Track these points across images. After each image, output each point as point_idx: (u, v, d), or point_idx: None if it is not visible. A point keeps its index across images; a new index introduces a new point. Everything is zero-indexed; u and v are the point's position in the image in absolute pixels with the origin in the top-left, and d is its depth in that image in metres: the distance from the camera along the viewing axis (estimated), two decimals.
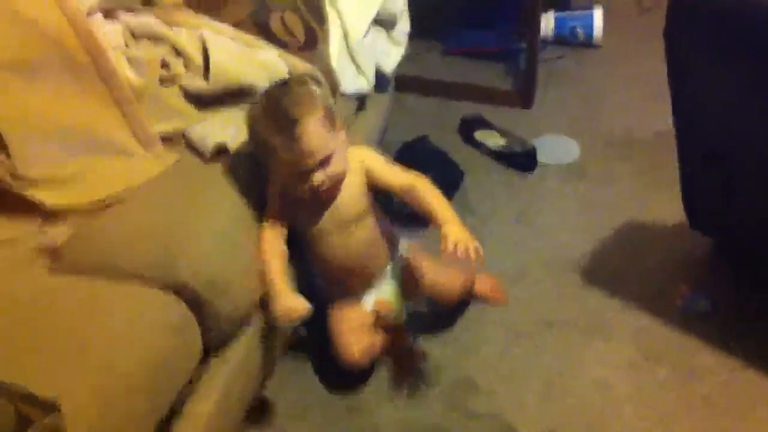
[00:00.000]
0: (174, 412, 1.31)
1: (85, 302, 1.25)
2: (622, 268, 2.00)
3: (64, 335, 1.18)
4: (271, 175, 1.51)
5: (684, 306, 1.84)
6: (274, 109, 1.42)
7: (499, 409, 1.66)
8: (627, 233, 2.11)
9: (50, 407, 1.01)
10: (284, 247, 1.52)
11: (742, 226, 1.78)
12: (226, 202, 1.46)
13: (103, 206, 1.43)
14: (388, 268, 1.67)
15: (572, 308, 1.90)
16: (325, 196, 1.51)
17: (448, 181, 2.30)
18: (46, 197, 1.40)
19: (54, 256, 1.39)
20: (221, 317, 1.37)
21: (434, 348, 1.82)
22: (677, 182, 1.84)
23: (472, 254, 1.38)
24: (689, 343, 1.76)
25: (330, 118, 1.44)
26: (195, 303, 1.33)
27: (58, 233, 1.41)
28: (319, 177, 1.43)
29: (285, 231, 1.53)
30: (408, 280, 1.66)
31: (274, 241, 1.51)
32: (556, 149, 2.48)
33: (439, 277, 1.67)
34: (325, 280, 1.67)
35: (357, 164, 1.53)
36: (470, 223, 2.13)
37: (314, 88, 1.51)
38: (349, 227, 1.55)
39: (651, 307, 1.86)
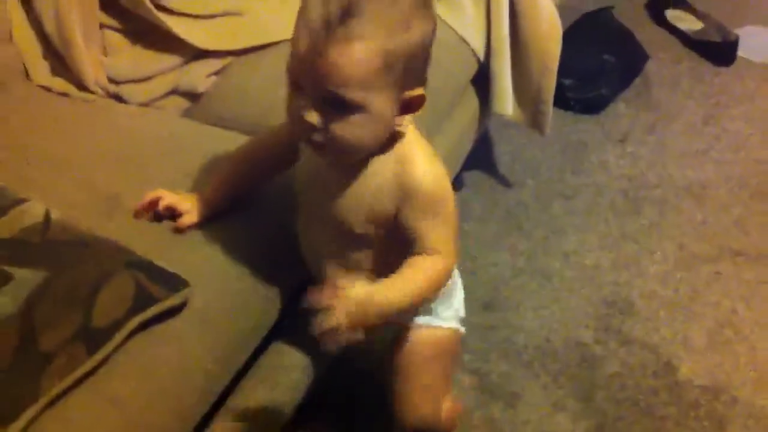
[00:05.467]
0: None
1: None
2: None
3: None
4: None
5: None
6: None
7: (658, 340, 1.51)
8: None
9: (181, 283, 0.99)
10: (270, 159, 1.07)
11: None
12: None
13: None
14: None
15: (762, 239, 1.72)
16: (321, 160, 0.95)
17: (629, 63, 2.16)
18: (192, 38, 1.36)
19: (192, 101, 1.37)
20: None
21: (589, 256, 1.67)
22: None
23: (323, 331, 0.84)
24: None
25: (403, 70, 0.83)
26: None
27: (199, 77, 1.37)
28: (312, 117, 0.83)
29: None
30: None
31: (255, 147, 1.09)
32: (763, 43, 2.28)
33: (412, 394, 1.14)
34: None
35: (397, 179, 0.90)
36: (648, 120, 2.05)
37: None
38: (330, 234, 0.98)
39: None
